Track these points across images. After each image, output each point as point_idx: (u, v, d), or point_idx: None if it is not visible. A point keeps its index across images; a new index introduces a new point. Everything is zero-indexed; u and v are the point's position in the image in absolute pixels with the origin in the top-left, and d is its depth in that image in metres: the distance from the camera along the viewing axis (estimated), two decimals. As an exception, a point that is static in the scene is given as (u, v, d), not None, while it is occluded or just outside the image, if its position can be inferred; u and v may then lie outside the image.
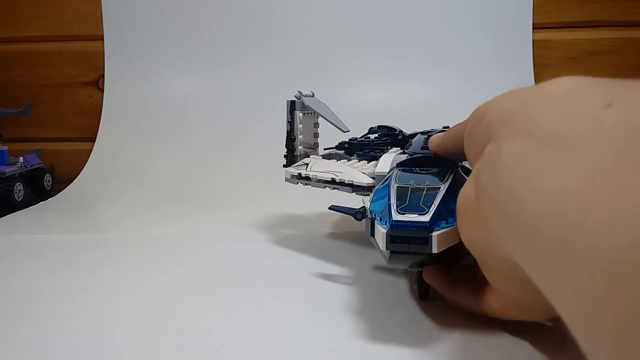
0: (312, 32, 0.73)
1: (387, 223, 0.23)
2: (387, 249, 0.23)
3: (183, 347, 0.24)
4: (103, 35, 0.76)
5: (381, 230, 0.23)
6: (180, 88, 0.75)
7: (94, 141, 0.74)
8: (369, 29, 0.72)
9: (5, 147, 0.59)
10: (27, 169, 0.61)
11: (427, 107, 0.69)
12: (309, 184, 0.38)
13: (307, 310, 0.28)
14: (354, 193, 0.35)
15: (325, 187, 0.37)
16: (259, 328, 0.26)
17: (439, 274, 0.26)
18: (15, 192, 0.57)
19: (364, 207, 0.28)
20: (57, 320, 0.27)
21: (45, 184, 0.64)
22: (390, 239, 0.23)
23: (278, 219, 0.48)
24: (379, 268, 0.34)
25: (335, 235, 0.42)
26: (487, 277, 0.22)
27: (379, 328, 0.25)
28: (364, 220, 0.27)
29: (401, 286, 0.31)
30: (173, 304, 0.29)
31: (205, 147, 0.70)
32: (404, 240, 0.23)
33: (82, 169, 0.70)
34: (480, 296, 0.24)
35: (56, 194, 0.62)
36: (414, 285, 0.28)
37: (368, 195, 0.31)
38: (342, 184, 0.35)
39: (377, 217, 0.25)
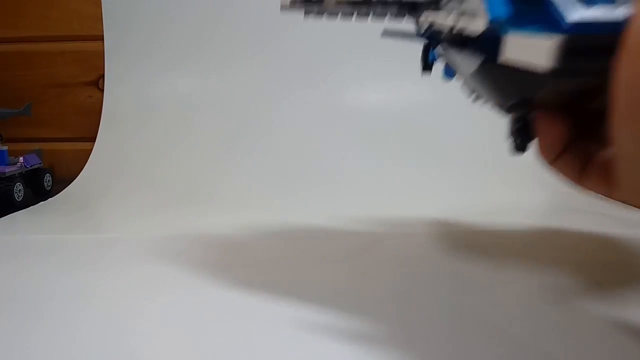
0: (313, 32, 0.73)
1: (561, 26, 0.14)
2: (558, 66, 0.14)
3: (184, 348, 0.24)
4: (103, 35, 0.76)
5: (544, 42, 0.14)
6: (181, 88, 0.75)
7: (94, 141, 0.73)
8: (369, 29, 0.72)
9: (5, 147, 0.59)
10: (27, 169, 0.61)
11: (428, 106, 0.69)
12: (325, 11, 0.24)
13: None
14: (403, 17, 0.22)
15: (352, 14, 0.23)
16: (262, 332, 0.26)
17: (562, 124, 0.19)
18: (15, 192, 0.57)
19: (432, 24, 0.19)
20: (58, 321, 0.27)
21: (45, 184, 0.64)
22: (567, 51, 0.14)
23: (282, 220, 0.48)
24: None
25: (346, 235, 0.42)
26: None
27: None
28: (438, 48, 0.18)
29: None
30: (174, 306, 0.29)
31: (206, 147, 0.70)
32: (588, 51, 0.14)
33: (82, 169, 0.69)
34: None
35: (56, 194, 0.62)
36: (511, 138, 0.21)
37: (433, 11, 0.20)
38: (384, 2, 0.21)
39: (516, 26, 0.15)
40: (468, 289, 0.31)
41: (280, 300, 0.29)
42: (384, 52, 0.72)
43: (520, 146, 0.21)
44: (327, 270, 0.34)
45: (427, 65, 0.21)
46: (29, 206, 0.56)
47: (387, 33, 0.23)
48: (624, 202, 0.19)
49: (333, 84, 0.71)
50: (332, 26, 0.73)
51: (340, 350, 0.23)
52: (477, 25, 0.16)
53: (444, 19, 0.19)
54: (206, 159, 0.68)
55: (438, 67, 0.21)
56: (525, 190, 0.57)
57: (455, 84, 0.24)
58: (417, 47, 0.25)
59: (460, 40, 0.18)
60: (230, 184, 0.61)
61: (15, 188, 0.57)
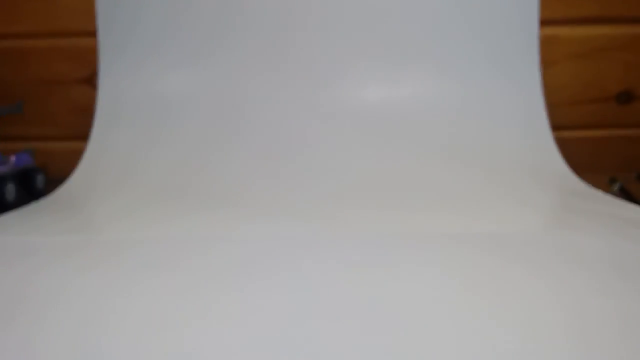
0: (313, 28, 0.73)
1: None
2: None
3: (179, 351, 0.23)
4: (96, 31, 0.75)
5: None
6: (176, 85, 0.74)
7: (88, 140, 0.72)
8: (369, 27, 0.72)
9: (-4, 146, 0.59)
10: (19, 169, 0.61)
11: (430, 103, 0.69)
12: None
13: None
14: None
15: None
16: (255, 333, 0.25)
17: None
18: (7, 193, 0.57)
19: None
20: (47, 322, 0.27)
21: (37, 183, 0.63)
22: None
23: (277, 218, 0.47)
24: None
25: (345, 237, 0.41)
26: None
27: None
28: None
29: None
30: (168, 306, 0.28)
31: (202, 146, 0.69)
32: None
33: (75, 168, 0.69)
34: None
35: (49, 194, 0.61)
36: None
37: None
38: None
39: None
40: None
41: (277, 297, 0.29)
42: (381, 46, 0.71)
43: None
44: (326, 276, 0.34)
45: None
46: (20, 207, 0.55)
47: None
48: None
49: (330, 80, 0.71)
50: (331, 23, 0.73)
51: None
52: None
53: None
54: (203, 158, 0.67)
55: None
56: (526, 189, 0.57)
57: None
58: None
59: None
60: (228, 184, 0.61)
61: (6, 188, 0.57)
